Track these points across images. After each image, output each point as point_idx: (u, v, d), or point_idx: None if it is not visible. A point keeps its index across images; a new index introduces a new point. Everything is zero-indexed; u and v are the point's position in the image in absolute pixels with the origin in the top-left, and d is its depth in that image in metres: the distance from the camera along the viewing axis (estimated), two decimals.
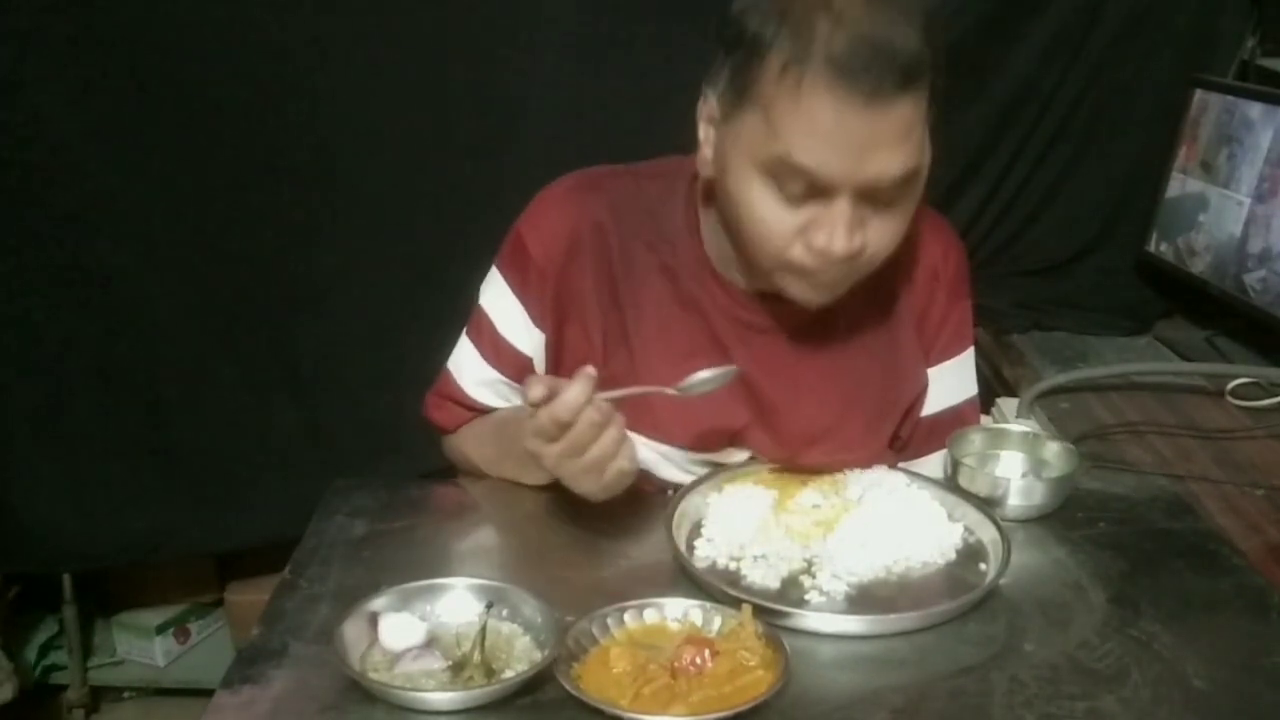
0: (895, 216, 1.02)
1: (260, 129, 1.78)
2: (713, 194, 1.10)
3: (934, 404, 1.23)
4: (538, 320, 1.17)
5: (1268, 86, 1.83)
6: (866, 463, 1.16)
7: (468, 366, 1.22)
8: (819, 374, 1.16)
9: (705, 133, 1.06)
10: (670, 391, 1.02)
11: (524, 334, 1.18)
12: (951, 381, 1.23)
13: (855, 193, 0.97)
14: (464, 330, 1.24)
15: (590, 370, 0.95)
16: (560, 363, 1.18)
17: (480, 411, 1.24)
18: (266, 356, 1.91)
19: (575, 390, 0.93)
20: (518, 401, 1.22)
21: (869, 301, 1.14)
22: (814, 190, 0.97)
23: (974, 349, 1.25)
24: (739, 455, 1.19)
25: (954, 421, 1.22)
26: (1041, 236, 2.05)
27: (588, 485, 1.01)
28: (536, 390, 0.94)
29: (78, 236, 1.79)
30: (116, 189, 1.77)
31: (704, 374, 1.02)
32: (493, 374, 1.21)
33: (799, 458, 1.16)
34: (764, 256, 1.04)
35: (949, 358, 1.22)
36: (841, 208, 0.97)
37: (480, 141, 1.79)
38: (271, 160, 1.80)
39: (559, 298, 1.15)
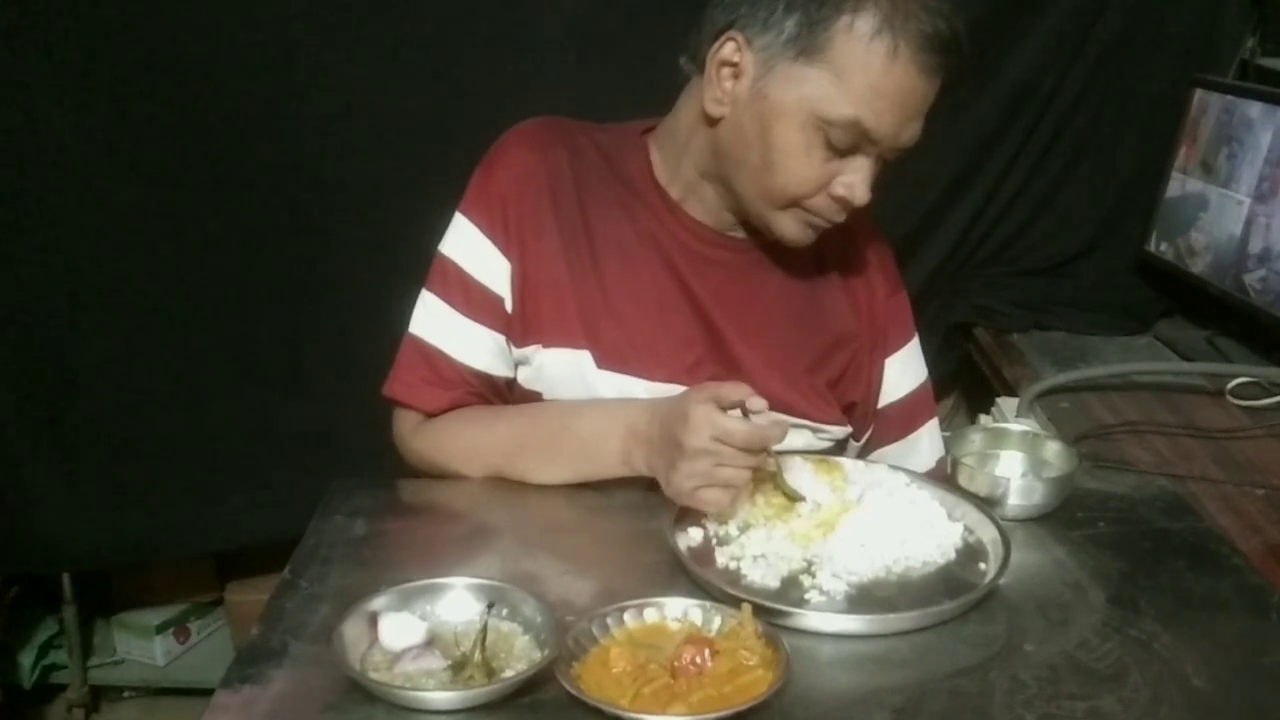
0: (864, 215, 1.16)
1: (262, 128, 1.78)
2: (675, 131, 1.18)
3: (903, 389, 1.30)
4: (504, 249, 1.19)
5: (1268, 86, 1.83)
6: (817, 410, 1.22)
7: (438, 323, 1.21)
8: (766, 311, 1.22)
9: (717, 73, 1.10)
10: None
11: (492, 270, 1.19)
12: (910, 367, 1.32)
13: (881, 153, 1.09)
14: (424, 289, 1.23)
15: (788, 423, 1.08)
16: (526, 292, 1.19)
17: (460, 379, 1.20)
18: (267, 356, 1.91)
19: (777, 432, 1.03)
20: (491, 360, 1.21)
21: (803, 253, 1.21)
22: (854, 146, 1.08)
23: (917, 337, 1.34)
24: None
25: (924, 399, 1.33)
26: (1041, 236, 2.05)
27: (686, 485, 1.03)
28: (759, 401, 1.02)
29: (76, 236, 1.79)
30: (115, 188, 1.77)
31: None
32: (466, 323, 1.20)
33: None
34: (780, 197, 1.12)
35: (903, 345, 1.30)
36: (870, 164, 1.10)
37: (484, 140, 1.79)
38: (273, 159, 1.80)
39: (522, 224, 1.19)
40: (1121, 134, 1.99)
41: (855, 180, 1.10)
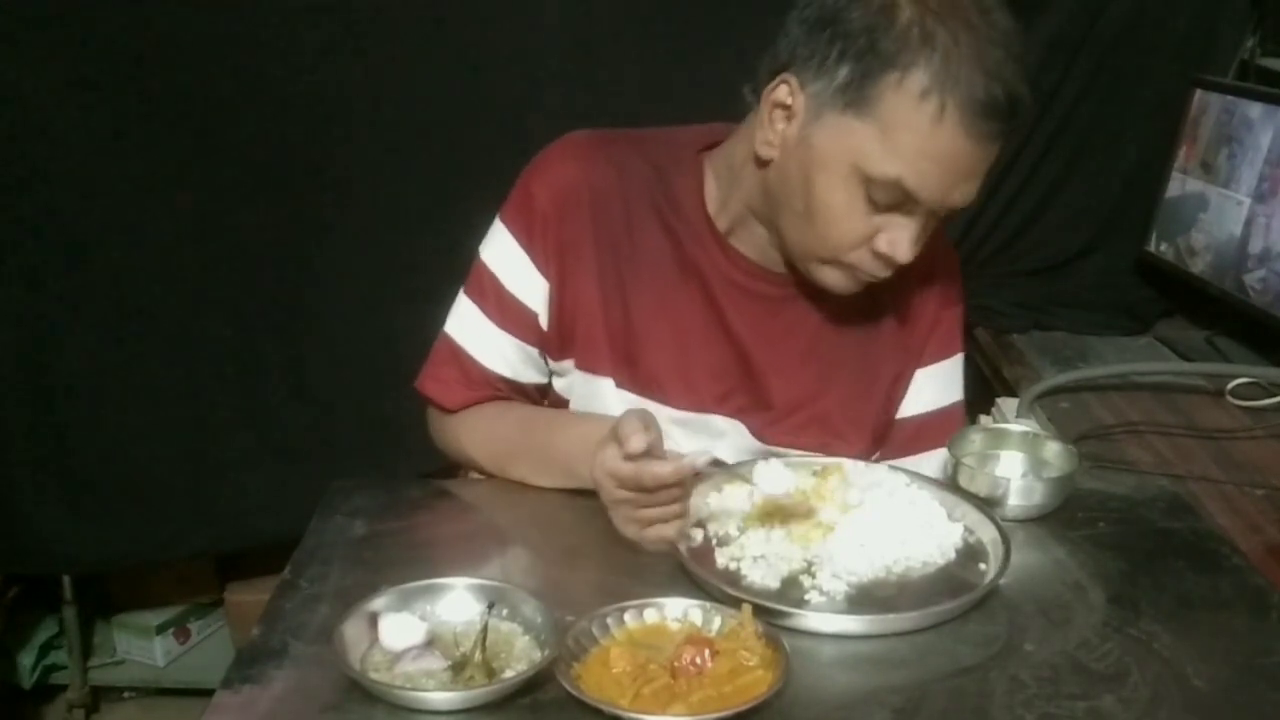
0: (933, 232, 1.10)
1: (263, 129, 1.78)
2: (732, 167, 1.14)
3: (921, 405, 1.24)
4: (542, 268, 1.17)
5: (1268, 86, 1.83)
6: (850, 447, 1.19)
7: (471, 327, 1.21)
8: (804, 346, 1.19)
9: (771, 116, 1.07)
10: (753, 485, 1.06)
11: (529, 286, 1.18)
12: (939, 385, 1.25)
13: (930, 212, 1.05)
14: (462, 290, 1.23)
15: (698, 463, 0.98)
16: (563, 313, 1.18)
17: (486, 381, 1.22)
18: (267, 357, 1.91)
19: (669, 469, 0.97)
20: (521, 368, 1.22)
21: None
22: (898, 204, 1.04)
23: (963, 356, 1.27)
24: (722, 423, 1.19)
25: (941, 423, 1.24)
26: (1041, 236, 2.05)
27: (628, 531, 1.03)
28: (637, 443, 0.96)
29: (77, 237, 1.79)
30: (117, 188, 1.77)
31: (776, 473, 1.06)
32: (498, 333, 1.20)
33: (780, 428, 1.18)
34: (823, 249, 1.09)
35: (937, 361, 1.24)
36: (916, 222, 1.06)
37: (486, 141, 1.79)
38: (274, 160, 1.80)
39: (561, 245, 1.17)
40: (1121, 134, 1.98)
41: (898, 238, 1.06)
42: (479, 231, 1.23)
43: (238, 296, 1.87)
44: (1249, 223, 1.76)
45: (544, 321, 1.19)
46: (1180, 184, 1.93)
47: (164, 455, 1.91)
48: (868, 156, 1.02)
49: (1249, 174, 1.76)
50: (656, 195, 1.17)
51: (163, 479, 1.92)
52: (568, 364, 1.20)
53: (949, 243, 1.27)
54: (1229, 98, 1.84)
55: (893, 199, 1.03)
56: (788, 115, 1.06)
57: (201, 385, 1.90)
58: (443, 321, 1.26)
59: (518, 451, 1.18)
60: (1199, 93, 1.90)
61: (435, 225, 1.84)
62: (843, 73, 1.01)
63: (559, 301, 1.18)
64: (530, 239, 1.17)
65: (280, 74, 1.75)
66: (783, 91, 1.06)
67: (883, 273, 1.09)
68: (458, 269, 1.25)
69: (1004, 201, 2.01)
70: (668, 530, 1.01)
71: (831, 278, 1.11)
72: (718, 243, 1.17)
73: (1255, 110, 1.77)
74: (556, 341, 1.20)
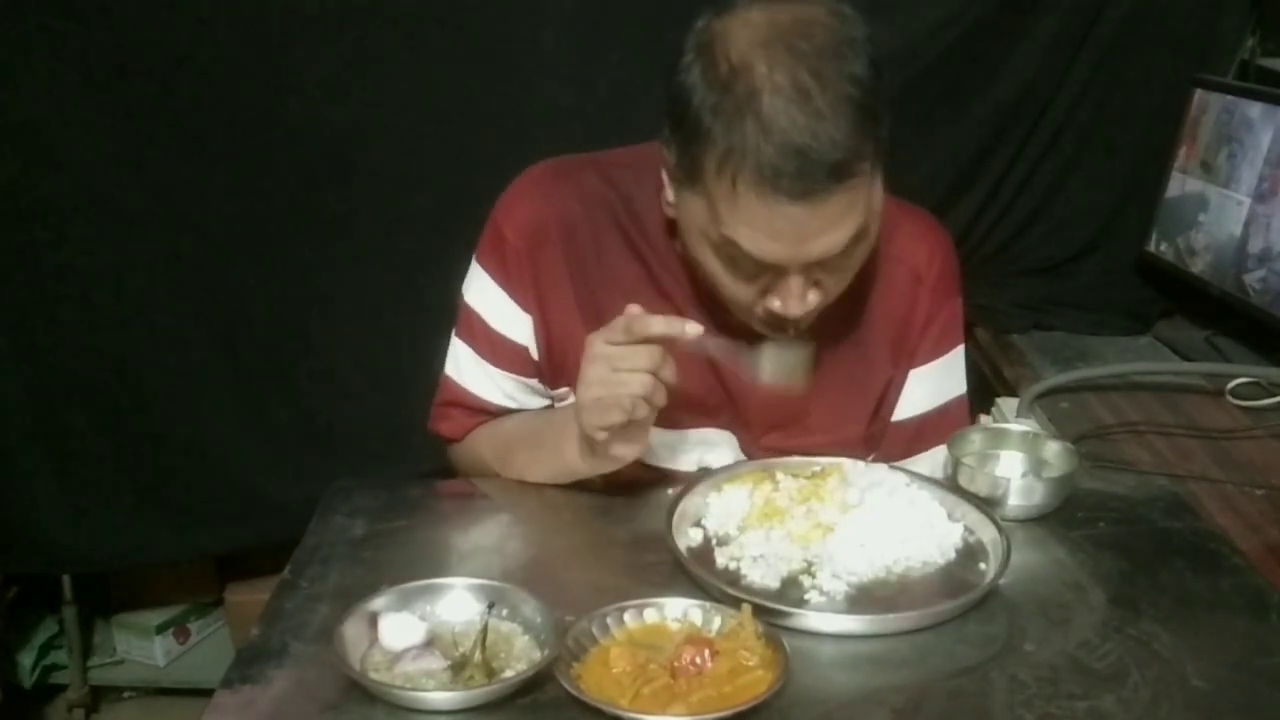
0: (849, 266, 1.06)
1: (264, 130, 1.78)
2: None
3: (918, 406, 1.24)
4: (523, 304, 1.18)
5: (1268, 86, 1.83)
6: (843, 454, 1.18)
7: (467, 367, 1.23)
8: None
9: (666, 179, 1.07)
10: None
11: (514, 323, 1.19)
12: (935, 384, 1.24)
13: (803, 267, 1.01)
14: (454, 332, 1.24)
15: (688, 325, 1.00)
16: (550, 345, 1.19)
17: (488, 412, 1.24)
18: (267, 357, 1.91)
19: (661, 318, 1.00)
20: (522, 397, 1.24)
21: (840, 300, 1.12)
22: (764, 266, 1.01)
23: (963, 348, 1.26)
24: (714, 435, 1.20)
25: (940, 422, 1.23)
26: (1041, 236, 2.05)
27: (596, 419, 1.02)
28: (635, 308, 1.01)
29: (76, 237, 1.79)
30: (116, 189, 1.77)
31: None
32: (493, 370, 1.22)
33: (767, 440, 1.19)
34: (730, 309, 1.09)
35: (934, 359, 1.23)
36: (793, 280, 1.02)
37: (485, 144, 1.79)
38: (275, 161, 1.80)
39: (537, 278, 1.17)
40: (1121, 134, 1.98)
41: (782, 297, 1.03)
42: (477, 232, 1.23)
43: (238, 300, 1.87)
44: (1249, 223, 1.76)
45: (534, 353, 1.21)
46: (1180, 184, 1.93)
47: (164, 455, 1.91)
48: (706, 225, 1.01)
49: (1249, 174, 1.76)
50: (623, 220, 1.17)
51: (163, 479, 1.92)
52: (563, 390, 1.21)
53: (943, 235, 1.25)
54: (1229, 98, 1.84)
55: (753, 264, 1.01)
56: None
57: (201, 385, 1.90)
58: (444, 320, 1.26)
59: (514, 444, 1.20)
60: (1199, 93, 1.90)
61: (435, 224, 1.84)
62: (673, 150, 1.02)
63: (545, 334, 1.19)
64: (507, 277, 1.18)
65: (280, 75, 1.75)
66: (663, 151, 1.05)
67: (787, 329, 1.06)
68: (457, 269, 1.25)
69: (1004, 201, 2.01)
70: (640, 413, 1.01)
71: (764, 330, 1.08)
72: (685, 266, 1.16)
73: (1255, 110, 1.77)
74: (549, 371, 1.21)
